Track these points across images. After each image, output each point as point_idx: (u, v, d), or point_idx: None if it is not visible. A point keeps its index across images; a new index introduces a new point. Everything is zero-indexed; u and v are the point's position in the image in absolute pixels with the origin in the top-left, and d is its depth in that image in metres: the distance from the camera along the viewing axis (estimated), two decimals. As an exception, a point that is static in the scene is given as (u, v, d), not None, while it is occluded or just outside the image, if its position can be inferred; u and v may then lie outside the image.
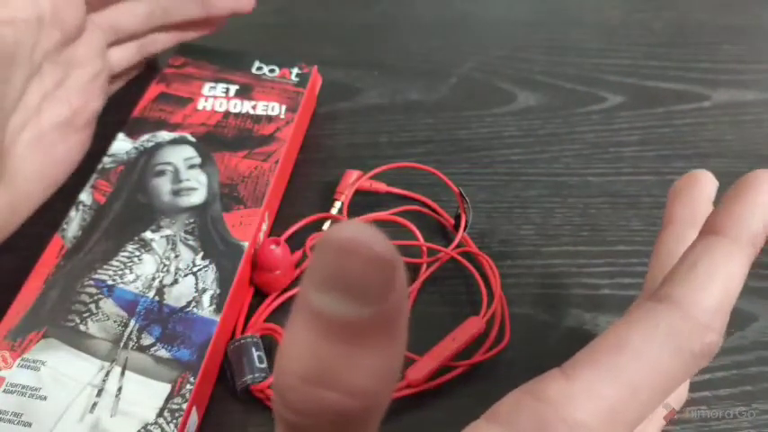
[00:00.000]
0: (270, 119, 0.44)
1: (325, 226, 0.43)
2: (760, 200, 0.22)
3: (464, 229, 0.41)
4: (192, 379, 0.32)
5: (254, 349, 0.35)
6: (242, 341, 0.35)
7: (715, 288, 0.21)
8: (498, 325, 0.38)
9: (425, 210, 0.44)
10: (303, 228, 0.42)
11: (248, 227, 0.38)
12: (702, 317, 0.20)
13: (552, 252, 0.43)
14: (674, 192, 0.31)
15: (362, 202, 0.44)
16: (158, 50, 0.49)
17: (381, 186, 0.44)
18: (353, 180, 0.44)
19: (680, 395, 0.32)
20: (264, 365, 0.35)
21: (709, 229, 0.22)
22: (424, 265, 0.40)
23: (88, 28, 0.42)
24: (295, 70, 0.47)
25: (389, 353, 0.14)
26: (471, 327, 0.36)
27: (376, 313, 0.13)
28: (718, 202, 0.23)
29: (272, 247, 0.38)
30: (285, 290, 0.39)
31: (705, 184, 0.30)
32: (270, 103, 0.45)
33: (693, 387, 0.36)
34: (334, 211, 0.43)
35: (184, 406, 0.31)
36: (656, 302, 0.21)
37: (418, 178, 0.45)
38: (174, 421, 0.30)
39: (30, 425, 0.30)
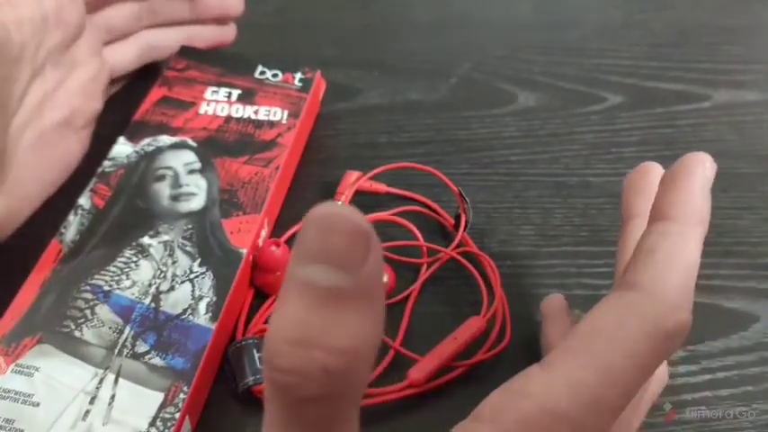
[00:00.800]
0: (272, 124, 0.43)
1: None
2: (699, 183, 0.23)
3: (464, 229, 0.40)
4: (185, 388, 0.30)
5: (255, 350, 0.34)
6: (243, 343, 0.34)
7: (676, 269, 0.21)
8: (499, 325, 0.37)
9: (425, 210, 0.43)
10: (303, 229, 0.41)
11: (247, 233, 0.37)
12: (670, 297, 0.21)
13: (552, 252, 0.41)
14: (627, 185, 0.31)
15: (363, 203, 0.42)
16: (161, 56, 0.48)
17: (381, 187, 0.43)
18: (354, 180, 0.43)
19: (660, 379, 0.31)
20: (266, 366, 0.33)
21: (659, 215, 0.23)
22: (425, 265, 0.39)
23: (86, 28, 0.41)
24: (298, 75, 0.46)
25: (370, 316, 0.15)
26: (472, 326, 0.36)
27: (357, 280, 0.15)
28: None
29: (273, 248, 0.37)
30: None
31: (656, 174, 0.30)
32: (272, 108, 0.44)
33: (694, 387, 0.36)
34: (334, 212, 0.42)
35: (177, 415, 0.29)
36: (625, 290, 0.21)
37: (418, 178, 0.44)
38: (167, 430, 0.29)
39: (22, 431, 0.28)
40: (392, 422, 0.34)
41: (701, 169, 0.23)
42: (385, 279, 0.37)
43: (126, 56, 0.46)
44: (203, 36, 0.48)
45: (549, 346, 0.34)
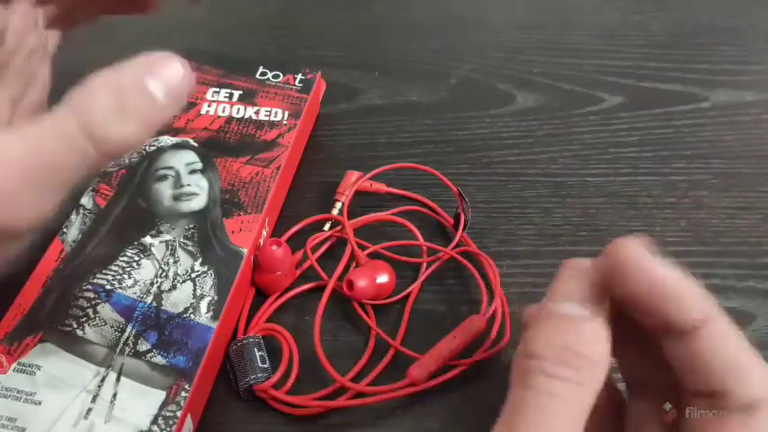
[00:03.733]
0: (272, 124, 0.43)
1: (326, 227, 0.41)
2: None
3: (463, 229, 0.40)
4: (186, 386, 0.30)
5: (255, 349, 0.34)
6: (244, 341, 0.34)
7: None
8: (498, 323, 0.36)
9: (425, 210, 0.43)
10: (304, 228, 0.41)
11: (248, 233, 0.37)
12: None
13: (551, 252, 0.41)
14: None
15: (363, 203, 0.42)
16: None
17: (381, 187, 0.43)
18: (354, 181, 0.42)
19: None
20: (267, 365, 0.34)
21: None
22: (424, 265, 0.39)
23: None
24: (299, 76, 0.46)
25: None
26: (472, 325, 0.35)
27: None
28: None
29: (274, 247, 0.37)
30: (286, 290, 0.38)
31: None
32: (273, 108, 0.44)
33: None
34: (334, 211, 0.42)
35: (179, 413, 0.29)
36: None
37: (418, 179, 0.43)
38: (169, 429, 0.29)
39: (24, 430, 0.28)
40: (392, 420, 0.34)
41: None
42: (385, 279, 0.37)
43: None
44: None
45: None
